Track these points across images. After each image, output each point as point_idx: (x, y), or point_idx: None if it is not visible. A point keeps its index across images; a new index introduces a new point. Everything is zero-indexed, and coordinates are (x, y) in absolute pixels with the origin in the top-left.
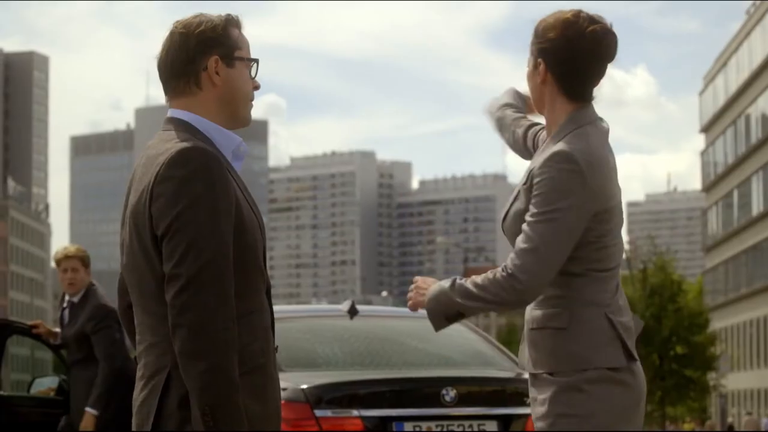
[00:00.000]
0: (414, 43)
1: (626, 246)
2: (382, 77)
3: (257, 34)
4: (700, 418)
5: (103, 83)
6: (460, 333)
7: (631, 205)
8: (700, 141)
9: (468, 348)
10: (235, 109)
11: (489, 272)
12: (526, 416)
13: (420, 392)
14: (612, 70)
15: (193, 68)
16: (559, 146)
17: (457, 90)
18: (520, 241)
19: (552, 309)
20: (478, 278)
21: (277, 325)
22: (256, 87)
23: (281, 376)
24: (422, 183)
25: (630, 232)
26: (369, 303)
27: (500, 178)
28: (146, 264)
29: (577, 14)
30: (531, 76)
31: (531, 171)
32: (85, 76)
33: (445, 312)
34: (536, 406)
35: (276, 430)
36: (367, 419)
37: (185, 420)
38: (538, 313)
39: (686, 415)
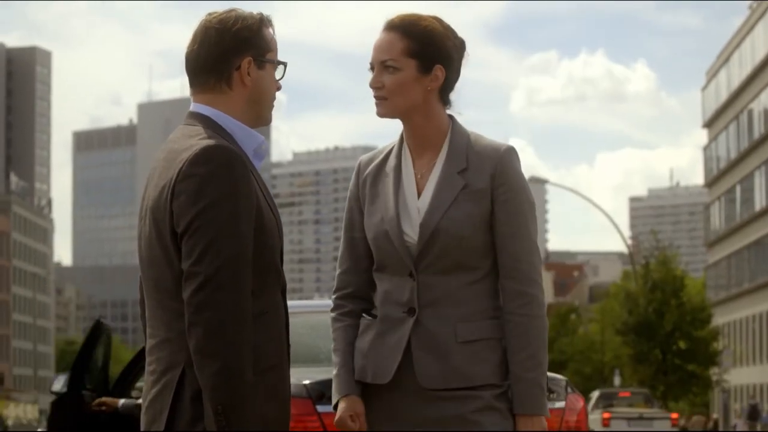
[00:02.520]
0: None
1: (629, 241)
2: None
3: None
4: (700, 412)
5: (103, 78)
6: None
7: (633, 200)
8: (701, 136)
9: None
10: (260, 109)
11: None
12: None
13: None
14: (612, 65)
15: (227, 66)
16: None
17: (461, 85)
18: (522, 246)
19: (498, 320)
20: (527, 353)
21: None
22: (278, 88)
23: None
24: None
25: (632, 227)
26: None
27: None
28: (165, 259)
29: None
30: (418, 82)
31: (493, 174)
32: (86, 72)
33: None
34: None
35: (287, 431)
36: None
37: (198, 418)
38: (482, 324)
39: (688, 410)
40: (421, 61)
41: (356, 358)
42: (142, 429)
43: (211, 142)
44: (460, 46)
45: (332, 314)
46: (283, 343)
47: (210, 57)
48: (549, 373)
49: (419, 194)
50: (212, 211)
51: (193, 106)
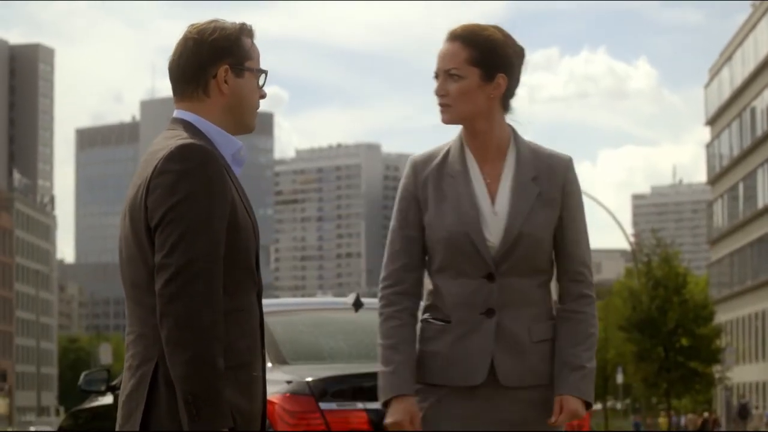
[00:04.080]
0: (418, 34)
1: (631, 239)
2: (386, 69)
3: (259, 26)
4: (703, 409)
5: (106, 76)
6: None
7: (636, 197)
8: (704, 133)
9: None
10: (240, 117)
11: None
12: None
13: None
14: (613, 62)
15: (203, 75)
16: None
17: None
18: (585, 251)
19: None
20: (582, 342)
21: (282, 318)
22: (263, 96)
23: (286, 369)
24: None
25: (635, 224)
26: (374, 296)
27: None
28: (140, 255)
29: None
30: (481, 89)
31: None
32: (88, 69)
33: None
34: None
35: (261, 429)
36: (372, 412)
37: (173, 412)
38: (547, 325)
39: (691, 407)
40: (483, 69)
41: (429, 361)
42: (118, 423)
43: (187, 141)
44: (520, 53)
45: (385, 309)
46: (256, 341)
47: (188, 66)
48: None
49: (492, 199)
50: (185, 205)
51: (176, 113)
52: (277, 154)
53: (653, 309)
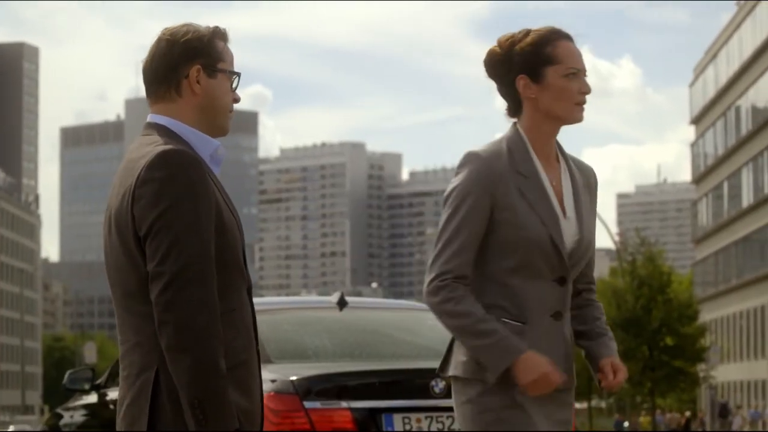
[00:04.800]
0: (403, 33)
1: (616, 238)
2: (371, 68)
3: (243, 25)
4: (687, 408)
5: (90, 74)
6: None
7: (621, 196)
8: (688, 132)
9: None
10: (213, 118)
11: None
12: None
13: (409, 384)
14: (597, 61)
15: (175, 75)
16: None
17: (447, 81)
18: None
19: None
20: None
21: (266, 317)
22: (236, 100)
23: (271, 367)
24: (412, 174)
25: (620, 223)
26: (359, 294)
27: None
28: (129, 264)
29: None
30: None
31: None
32: (73, 67)
33: None
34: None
35: (260, 425)
36: (357, 411)
37: (178, 418)
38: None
39: (675, 406)
40: None
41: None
42: (120, 430)
43: (166, 147)
44: None
45: (454, 293)
46: (251, 339)
47: (160, 67)
48: None
49: (560, 203)
50: (173, 212)
51: (150, 117)
52: (262, 152)
53: (638, 308)
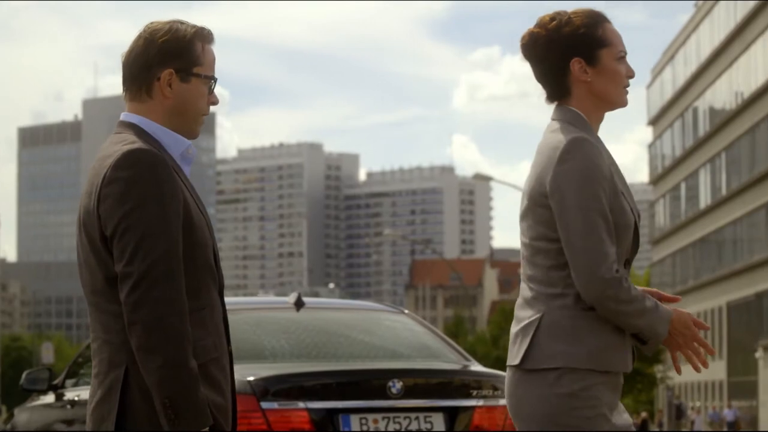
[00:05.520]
0: (360, 34)
1: None
2: (328, 68)
3: (197, 22)
4: (645, 409)
5: (46, 74)
6: (405, 325)
7: None
8: (646, 133)
9: (414, 340)
10: (183, 122)
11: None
12: (473, 408)
13: (366, 384)
14: None
15: (148, 76)
16: None
17: (404, 81)
18: None
19: None
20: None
21: None
22: (213, 102)
23: None
24: (369, 175)
25: None
26: (316, 295)
27: (447, 170)
28: (97, 263)
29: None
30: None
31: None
32: (29, 67)
33: None
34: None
35: (233, 421)
36: (314, 411)
37: (151, 415)
38: None
39: (632, 407)
40: None
41: (604, 349)
42: (89, 430)
43: (133, 146)
44: None
45: (628, 281)
46: (221, 336)
47: (135, 65)
48: (494, 371)
49: None
50: (138, 212)
51: (123, 116)
52: (219, 153)
53: None
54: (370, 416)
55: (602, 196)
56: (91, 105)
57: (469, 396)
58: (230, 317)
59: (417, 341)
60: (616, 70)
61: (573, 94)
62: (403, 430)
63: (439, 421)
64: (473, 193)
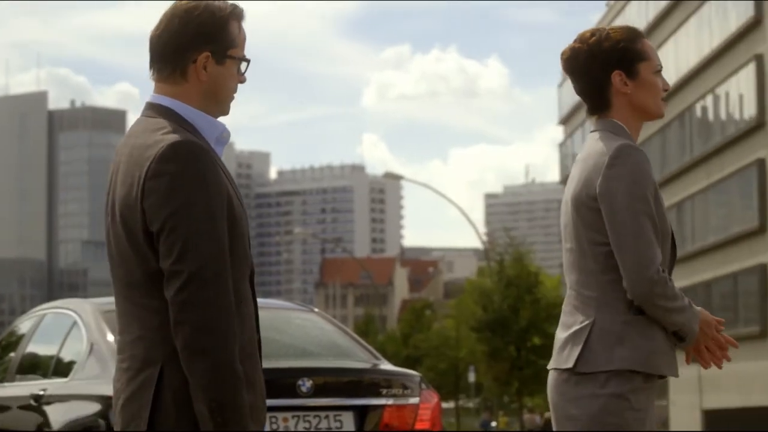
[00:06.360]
0: (270, 32)
1: (483, 238)
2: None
3: (109, 22)
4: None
5: None
6: (315, 324)
7: (489, 196)
8: (556, 132)
9: (324, 339)
10: (217, 103)
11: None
12: (382, 407)
13: (276, 383)
14: (464, 61)
15: (183, 59)
16: None
17: (314, 80)
18: None
19: None
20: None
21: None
22: (242, 81)
23: None
24: (280, 173)
25: (488, 223)
26: None
27: (358, 169)
28: (137, 257)
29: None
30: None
31: None
32: None
33: None
34: None
35: (264, 419)
36: None
37: (183, 414)
38: None
39: (543, 406)
40: None
41: (654, 353)
42: (118, 425)
43: (177, 137)
44: None
45: (670, 282)
46: (254, 330)
47: (169, 45)
48: (404, 370)
49: None
50: (187, 209)
51: (153, 97)
52: None
53: (505, 308)
54: (280, 415)
55: (650, 199)
56: (1, 103)
57: (378, 395)
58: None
59: (327, 340)
60: (654, 82)
61: (613, 106)
62: (312, 429)
63: (348, 419)
64: (384, 192)
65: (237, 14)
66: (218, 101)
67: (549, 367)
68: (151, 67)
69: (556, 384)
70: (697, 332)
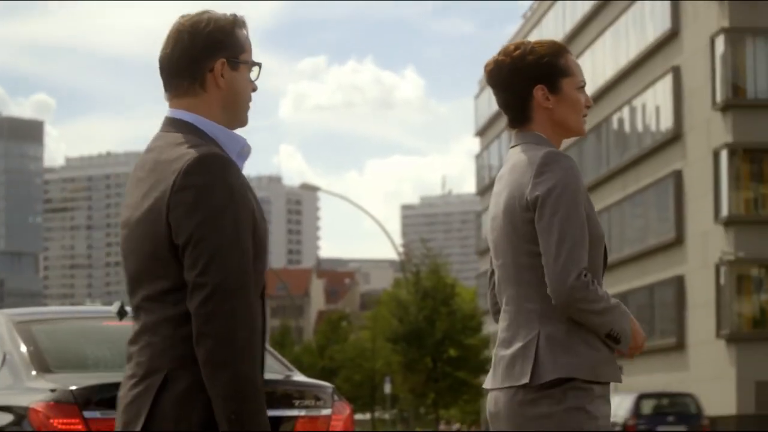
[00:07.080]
0: None
1: (400, 249)
2: (156, 76)
3: (25, 31)
4: (472, 420)
5: None
6: None
7: (405, 207)
8: (473, 144)
9: None
10: (236, 111)
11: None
12: (295, 418)
13: None
14: (380, 72)
15: (199, 69)
16: None
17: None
18: None
19: None
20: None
21: (46, 326)
22: (254, 89)
23: (50, 377)
24: None
25: (404, 235)
26: None
27: (274, 180)
28: (159, 269)
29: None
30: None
31: None
32: None
33: None
34: None
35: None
36: None
37: (179, 420)
38: None
39: (459, 417)
40: None
41: (599, 360)
42: (118, 428)
43: (203, 150)
44: None
45: (592, 285)
46: (263, 343)
47: (183, 59)
48: (317, 381)
49: None
50: (213, 221)
51: (171, 112)
52: (47, 162)
53: (421, 319)
54: None
55: (581, 204)
56: None
57: (291, 406)
58: (53, 326)
59: None
60: (577, 98)
61: (534, 120)
62: None
63: None
64: (300, 203)
65: (239, 22)
66: (237, 110)
67: (495, 386)
68: (166, 88)
69: (510, 404)
70: (629, 331)
